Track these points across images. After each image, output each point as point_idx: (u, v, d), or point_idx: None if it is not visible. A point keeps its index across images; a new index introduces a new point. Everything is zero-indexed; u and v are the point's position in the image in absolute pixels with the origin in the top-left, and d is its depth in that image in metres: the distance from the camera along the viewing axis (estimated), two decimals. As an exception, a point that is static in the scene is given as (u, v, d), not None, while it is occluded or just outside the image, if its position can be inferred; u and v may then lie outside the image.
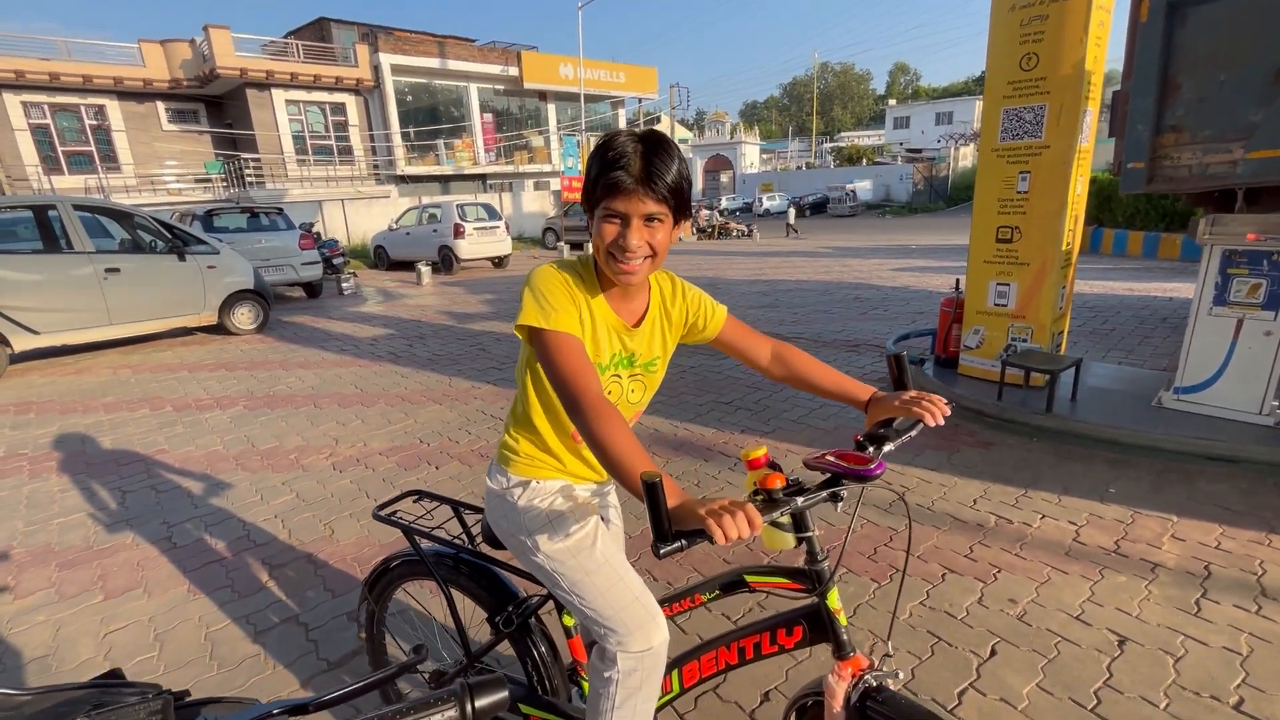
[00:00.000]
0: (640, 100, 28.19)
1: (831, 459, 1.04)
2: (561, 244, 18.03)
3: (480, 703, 0.59)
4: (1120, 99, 4.01)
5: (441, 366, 6.05)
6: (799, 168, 46.22)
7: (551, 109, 26.32)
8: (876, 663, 1.13)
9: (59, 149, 18.09)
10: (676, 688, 1.29)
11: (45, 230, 6.55)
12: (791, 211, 22.42)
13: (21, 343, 6.29)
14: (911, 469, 3.34)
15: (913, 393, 1.13)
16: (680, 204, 1.06)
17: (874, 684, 1.10)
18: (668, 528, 0.78)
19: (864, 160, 39.70)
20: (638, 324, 1.21)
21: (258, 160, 19.35)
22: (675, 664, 1.28)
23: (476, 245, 14.18)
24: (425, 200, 18.22)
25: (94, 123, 18.52)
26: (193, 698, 0.71)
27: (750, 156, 45.22)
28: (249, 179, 18.88)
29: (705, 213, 23.54)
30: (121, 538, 3.04)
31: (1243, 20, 3.00)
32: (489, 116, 24.64)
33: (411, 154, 22.66)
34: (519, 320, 1.06)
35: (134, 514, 3.28)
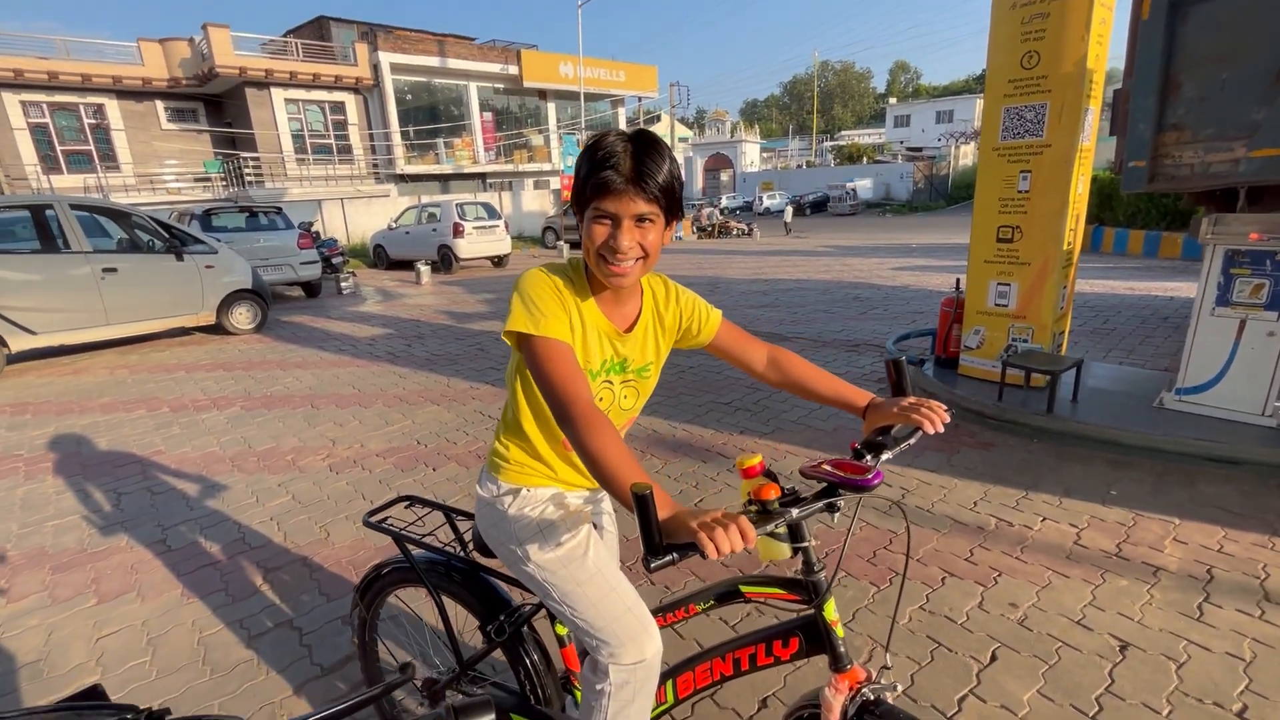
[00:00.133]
0: (640, 99, 28.19)
1: (828, 469, 1.01)
2: (561, 243, 18.02)
3: None
4: (1121, 97, 3.98)
5: (440, 367, 6.03)
6: (799, 166, 46.22)
7: (551, 108, 26.29)
8: (874, 675, 1.10)
9: (58, 148, 18.07)
10: (671, 699, 1.27)
11: (43, 230, 6.52)
12: (789, 210, 22.39)
13: (19, 343, 6.28)
14: (911, 470, 3.32)
15: (911, 399, 1.11)
16: (672, 204, 1.04)
17: (872, 697, 1.07)
18: (658, 540, 0.76)
19: (864, 159, 39.72)
20: (630, 329, 1.18)
21: (257, 159, 19.33)
22: (669, 675, 1.26)
23: (476, 244, 14.15)
24: (424, 199, 18.22)
25: (93, 122, 18.50)
26: (174, 716, 0.69)
27: (750, 155, 45.19)
28: (248, 178, 18.87)
29: (707, 210, 23.55)
30: (116, 540, 3.02)
31: (1244, 18, 2.98)
32: (489, 115, 24.62)
33: (411, 153, 22.64)
34: (507, 326, 1.04)
35: (129, 516, 3.26)
